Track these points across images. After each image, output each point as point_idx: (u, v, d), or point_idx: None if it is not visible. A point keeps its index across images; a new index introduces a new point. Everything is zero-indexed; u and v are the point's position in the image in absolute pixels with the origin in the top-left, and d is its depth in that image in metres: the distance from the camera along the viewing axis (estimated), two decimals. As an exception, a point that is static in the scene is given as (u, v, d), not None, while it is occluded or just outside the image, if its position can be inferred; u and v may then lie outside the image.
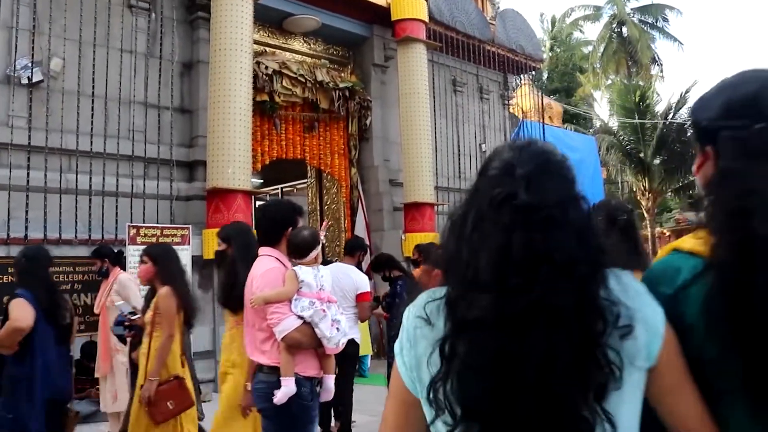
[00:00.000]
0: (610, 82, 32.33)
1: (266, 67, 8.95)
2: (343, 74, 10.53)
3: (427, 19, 10.50)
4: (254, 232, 3.65)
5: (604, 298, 1.07)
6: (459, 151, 12.06)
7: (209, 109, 7.80)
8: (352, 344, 5.35)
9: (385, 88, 10.75)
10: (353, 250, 6.00)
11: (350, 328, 5.19)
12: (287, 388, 2.97)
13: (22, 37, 7.16)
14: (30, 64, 7.15)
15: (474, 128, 12.60)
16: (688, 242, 1.25)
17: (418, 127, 10.04)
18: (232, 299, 3.68)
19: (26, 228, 6.80)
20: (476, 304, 1.06)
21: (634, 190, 27.00)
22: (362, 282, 5.57)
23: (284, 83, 9.18)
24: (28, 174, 6.87)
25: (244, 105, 7.81)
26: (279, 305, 3.03)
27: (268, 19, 9.55)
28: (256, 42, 9.40)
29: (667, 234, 30.44)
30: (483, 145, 12.74)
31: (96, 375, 5.98)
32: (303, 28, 9.86)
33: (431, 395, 1.11)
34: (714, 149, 1.27)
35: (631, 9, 33.17)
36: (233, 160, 7.69)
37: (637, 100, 25.38)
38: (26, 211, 6.83)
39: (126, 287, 5.77)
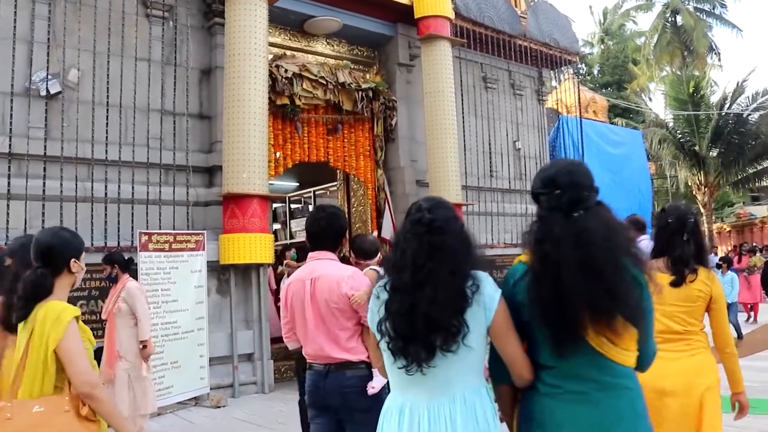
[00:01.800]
0: (665, 73, 31.34)
1: (286, 71, 8.90)
2: (368, 75, 10.42)
3: (452, 16, 10.29)
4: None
5: (474, 275, 2.11)
6: (491, 149, 11.80)
7: (224, 115, 7.81)
8: None
9: (411, 88, 10.59)
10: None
11: None
12: (382, 378, 3.04)
13: (40, 49, 7.29)
14: (47, 77, 7.27)
15: (507, 125, 12.31)
16: (523, 257, 2.19)
17: (444, 126, 9.85)
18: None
19: (43, 237, 6.90)
20: (402, 277, 2.13)
21: (689, 184, 26.12)
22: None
23: (305, 86, 9.12)
24: (44, 183, 6.99)
25: (259, 110, 7.79)
26: None
27: (288, 22, 9.52)
28: (276, 45, 9.43)
29: (728, 230, 29.32)
30: (517, 143, 12.47)
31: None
32: (324, 30, 9.78)
33: (379, 328, 2.20)
34: (537, 204, 2.20)
35: (687, -4, 32.05)
36: (248, 165, 7.67)
37: (690, 91, 24.51)
38: (42, 220, 6.94)
39: (133, 296, 5.78)
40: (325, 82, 9.33)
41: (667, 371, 3.03)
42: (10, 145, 6.93)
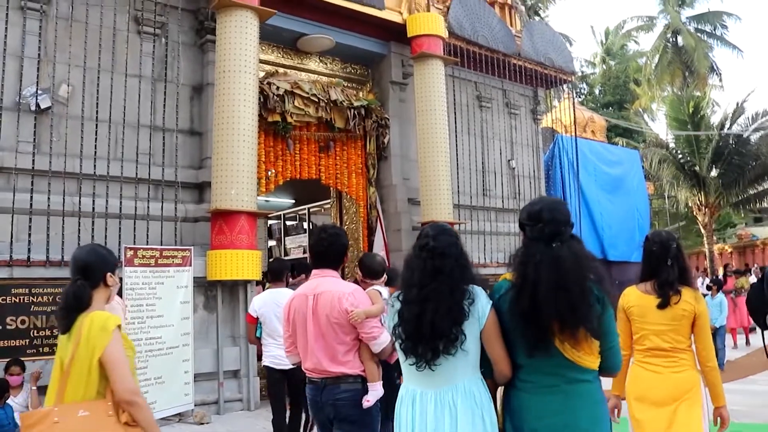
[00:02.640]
0: (666, 93, 31.40)
1: (277, 88, 8.94)
2: (361, 93, 10.46)
3: (445, 35, 10.34)
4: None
5: (470, 290, 2.61)
6: (485, 168, 11.81)
7: (214, 131, 7.84)
8: (299, 370, 5.37)
9: (404, 106, 10.62)
10: (280, 274, 5.89)
11: None
12: (377, 392, 3.44)
13: (30, 65, 7.33)
14: (37, 92, 7.31)
15: (502, 144, 12.32)
16: (508, 275, 2.65)
17: (436, 144, 9.86)
18: None
19: (29, 250, 6.92)
20: (411, 292, 2.64)
21: (690, 204, 26.04)
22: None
23: (296, 103, 9.16)
24: (31, 197, 7.00)
25: (248, 127, 7.81)
26: (375, 320, 3.45)
27: (281, 40, 9.58)
28: (269, 63, 9.48)
29: (729, 251, 29.18)
30: (512, 162, 12.46)
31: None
32: (317, 48, 9.83)
33: (394, 332, 2.71)
34: (524, 234, 2.66)
35: (687, 18, 32.25)
36: (237, 182, 7.69)
37: (690, 111, 24.50)
38: (29, 234, 6.95)
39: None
40: (317, 100, 9.36)
41: (654, 383, 3.53)
42: (-2, 159, 6.96)
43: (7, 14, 7.18)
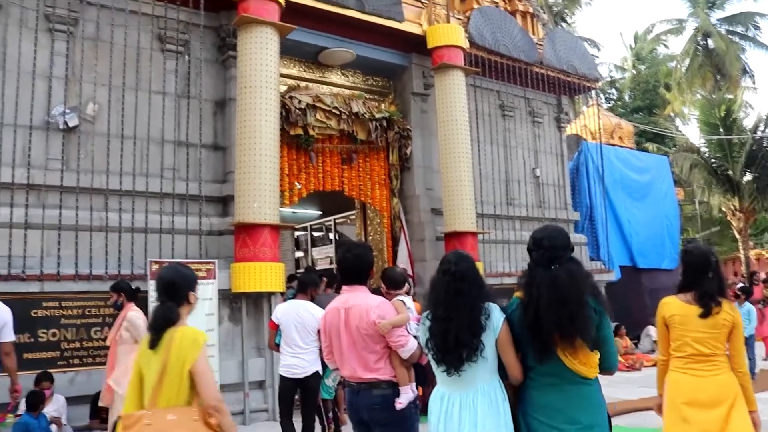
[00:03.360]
0: (698, 97, 30.96)
1: (299, 102, 9.08)
2: (383, 104, 10.54)
3: (466, 45, 10.39)
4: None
5: (486, 306, 3.05)
6: (509, 177, 11.80)
7: (236, 146, 7.97)
8: (315, 377, 5.72)
9: (426, 117, 10.68)
10: (305, 287, 6.02)
11: (313, 361, 5.67)
12: (409, 395, 3.70)
13: (58, 84, 7.57)
14: (65, 110, 7.53)
15: (525, 153, 12.31)
16: (518, 293, 3.09)
17: (458, 154, 9.89)
18: None
19: (58, 265, 7.11)
20: (438, 311, 3.11)
21: (723, 210, 25.62)
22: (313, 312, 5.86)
23: (318, 116, 9.28)
24: (60, 213, 7.20)
25: (270, 141, 7.93)
26: (401, 329, 3.68)
27: (303, 54, 9.72)
28: (291, 77, 9.62)
29: (767, 256, 28.56)
30: (536, 170, 12.43)
31: (100, 404, 6.17)
32: (339, 61, 9.95)
33: (427, 345, 3.18)
34: (530, 257, 3.13)
35: (717, 20, 31.73)
36: (260, 195, 7.80)
37: (722, 115, 24.14)
38: (58, 249, 7.15)
39: (134, 325, 5.92)
40: (338, 113, 9.47)
41: (699, 386, 3.79)
42: (28, 176, 7.17)
43: (36, 36, 7.41)
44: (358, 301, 3.72)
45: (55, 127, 7.54)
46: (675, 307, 3.87)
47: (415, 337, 3.69)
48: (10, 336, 5.44)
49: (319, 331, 5.53)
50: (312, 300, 5.97)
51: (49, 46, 7.60)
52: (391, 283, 4.81)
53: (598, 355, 3.02)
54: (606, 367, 3.08)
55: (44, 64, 7.53)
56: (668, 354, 3.94)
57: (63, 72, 7.62)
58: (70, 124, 7.60)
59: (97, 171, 7.56)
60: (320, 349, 5.70)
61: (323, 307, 8.08)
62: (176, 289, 3.17)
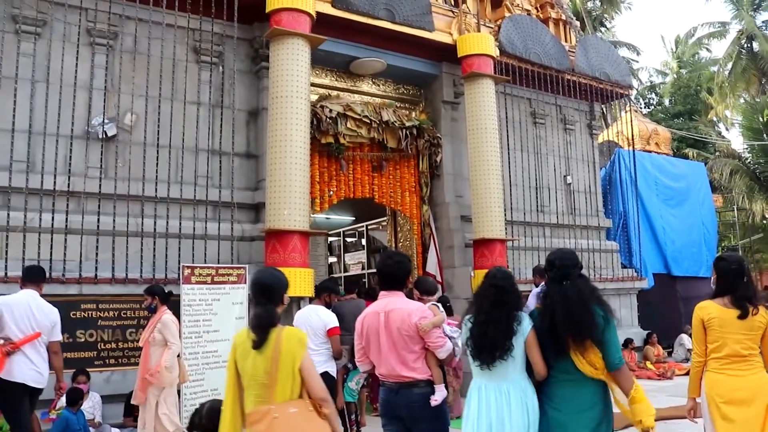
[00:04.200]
0: (742, 101, 30.38)
1: (330, 111, 9.27)
2: (414, 113, 10.68)
3: (496, 53, 10.46)
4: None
5: (518, 315, 3.75)
6: (539, 184, 11.83)
7: (268, 154, 8.18)
8: (325, 377, 5.88)
9: (456, 125, 10.79)
10: (319, 293, 6.59)
11: (324, 362, 6.08)
12: (443, 392, 4.04)
13: (98, 96, 7.88)
14: (104, 121, 7.85)
15: (557, 160, 12.32)
16: (538, 305, 3.82)
17: (487, 162, 9.96)
18: None
19: (96, 269, 7.41)
20: (480, 316, 3.80)
21: (766, 216, 25.12)
22: (330, 320, 6.33)
23: (349, 125, 9.46)
24: (98, 219, 7.50)
25: (300, 149, 8.11)
26: (438, 330, 4.03)
27: (334, 64, 9.92)
28: (323, 86, 9.82)
29: (816, 264, 27.82)
30: (568, 177, 12.43)
31: (133, 402, 6.44)
32: (370, 70, 10.13)
33: (466, 343, 3.87)
34: (546, 275, 3.81)
35: (762, 22, 31.06)
36: (290, 202, 7.98)
37: (765, 119, 23.69)
38: (96, 253, 7.44)
39: (166, 327, 6.17)
40: (369, 121, 9.64)
41: (737, 385, 4.10)
42: (69, 184, 7.48)
43: (77, 50, 7.74)
44: (398, 305, 4.04)
45: (94, 136, 7.86)
46: (714, 309, 4.20)
47: (450, 338, 4.08)
48: (58, 336, 5.83)
49: (328, 331, 6.09)
50: (328, 305, 6.27)
51: (89, 60, 7.93)
52: (425, 290, 5.16)
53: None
54: (608, 365, 3.63)
55: (85, 77, 7.85)
56: (705, 355, 4.25)
57: (102, 84, 7.94)
58: (109, 134, 7.92)
59: (133, 178, 7.85)
60: (329, 351, 6.28)
61: (344, 312, 8.42)
62: (273, 292, 3.41)
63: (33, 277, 5.88)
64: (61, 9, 7.73)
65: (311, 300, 6.81)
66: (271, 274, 3.55)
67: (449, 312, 7.07)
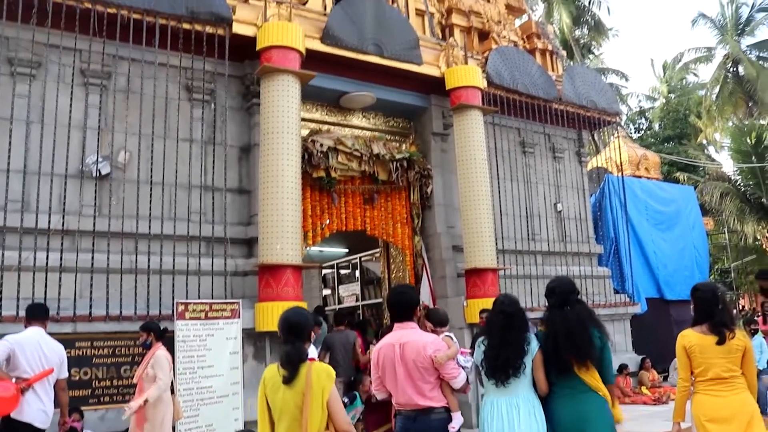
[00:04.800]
0: (731, 124, 30.74)
1: (321, 145, 9.40)
2: (404, 145, 10.83)
3: (483, 85, 10.64)
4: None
5: (527, 336, 4.28)
6: (530, 212, 11.95)
7: (260, 190, 8.29)
8: None
9: (446, 156, 10.93)
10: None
11: None
12: (460, 419, 4.31)
13: (92, 135, 8.00)
14: (98, 159, 7.96)
15: (547, 188, 12.46)
16: (541, 328, 4.42)
17: (477, 192, 10.08)
18: None
19: (90, 306, 7.45)
20: (493, 340, 4.35)
21: (759, 238, 25.30)
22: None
23: (340, 159, 9.59)
24: (92, 257, 7.56)
25: (292, 184, 8.23)
26: (453, 362, 4.29)
27: (325, 99, 10.08)
28: (314, 121, 9.97)
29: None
30: (558, 205, 12.56)
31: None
32: (359, 104, 10.29)
33: (481, 364, 4.40)
34: (548, 302, 4.49)
35: (747, 46, 31.54)
36: (282, 237, 8.08)
37: (752, 142, 24.00)
38: (91, 291, 7.49)
39: (158, 362, 6.23)
40: (359, 155, 9.78)
41: (720, 405, 4.42)
42: (63, 222, 7.55)
43: (72, 91, 7.86)
44: (413, 337, 4.27)
45: (88, 175, 7.96)
46: (694, 337, 4.53)
47: (463, 368, 4.35)
48: (65, 372, 5.98)
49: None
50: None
51: (83, 99, 8.06)
52: (439, 321, 5.45)
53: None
54: (605, 380, 4.28)
55: (79, 116, 7.96)
56: (689, 379, 4.59)
57: (96, 123, 8.06)
58: (103, 172, 8.02)
59: (127, 216, 7.93)
60: None
61: (334, 343, 8.46)
62: (300, 330, 3.62)
63: (38, 314, 6.00)
64: (56, 51, 7.86)
65: None
66: (297, 313, 3.75)
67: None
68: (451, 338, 4.68)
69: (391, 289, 4.72)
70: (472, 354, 4.54)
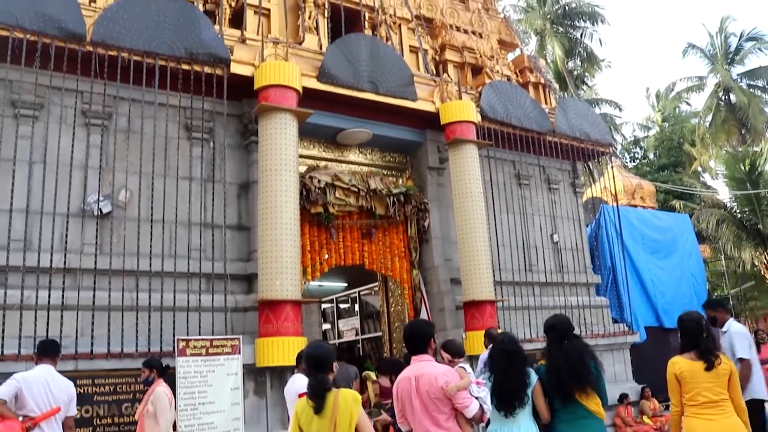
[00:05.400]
0: (724, 152, 31.02)
1: (319, 181, 9.55)
2: (400, 180, 10.98)
3: (477, 119, 10.82)
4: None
5: (527, 371, 4.85)
6: (527, 243, 12.05)
7: (259, 226, 8.41)
8: None
9: (442, 190, 11.07)
10: (298, 362, 6.92)
11: None
12: None
13: (93, 174, 8.14)
14: (100, 198, 8.09)
15: (543, 219, 12.59)
16: (542, 361, 5.04)
17: (473, 225, 10.20)
18: None
19: (92, 344, 7.51)
20: (498, 376, 4.84)
21: (756, 264, 25.36)
22: (301, 385, 6.42)
23: (337, 194, 9.74)
24: (94, 295, 7.64)
25: (291, 221, 8.35)
26: (465, 392, 4.41)
27: (322, 135, 10.26)
28: (311, 157, 10.13)
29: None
30: (555, 236, 12.66)
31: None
32: (356, 141, 10.46)
33: (491, 398, 4.74)
34: (547, 337, 5.14)
35: (738, 74, 31.97)
36: (281, 273, 8.18)
37: (746, 169, 24.21)
38: (92, 329, 7.55)
39: (158, 399, 6.29)
40: (356, 190, 9.92)
41: (711, 428, 4.66)
42: (65, 261, 7.65)
43: (73, 131, 8.02)
44: (426, 369, 4.44)
45: (90, 214, 8.08)
46: (684, 364, 4.82)
47: (476, 398, 4.50)
48: (74, 410, 6.07)
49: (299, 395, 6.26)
50: (306, 373, 6.67)
51: (85, 140, 8.22)
52: (456, 352, 5.77)
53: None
54: (603, 403, 4.85)
55: (81, 156, 8.10)
56: (680, 404, 4.86)
57: (98, 162, 8.20)
58: (104, 211, 8.15)
59: (128, 254, 8.03)
60: None
61: (336, 378, 8.52)
62: (325, 363, 3.94)
63: (49, 351, 6.07)
64: (58, 92, 8.03)
65: (294, 369, 7.09)
66: (319, 347, 4.17)
67: None
68: (465, 369, 4.90)
69: (407, 324, 5.23)
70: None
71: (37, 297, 7.32)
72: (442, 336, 10.13)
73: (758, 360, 6.75)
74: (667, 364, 5.00)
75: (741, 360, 6.32)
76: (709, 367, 4.70)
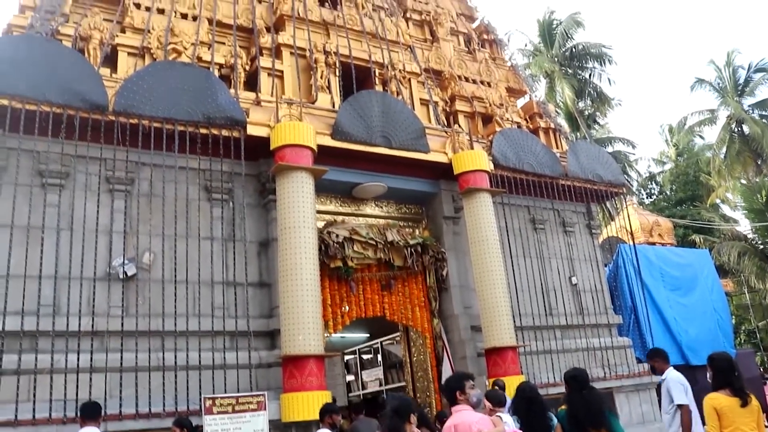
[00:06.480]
0: (741, 184, 30.95)
1: (337, 236, 9.75)
2: (417, 230, 11.16)
3: (490, 168, 11.01)
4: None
5: (548, 414, 5.93)
6: (546, 287, 12.11)
7: (279, 283, 8.58)
8: None
9: (459, 238, 11.21)
10: (322, 417, 7.31)
11: None
12: None
13: (118, 238, 8.39)
14: (124, 261, 8.32)
15: (560, 262, 12.65)
16: (563, 407, 6.11)
17: (491, 272, 10.31)
18: None
19: (120, 405, 7.65)
20: (522, 420, 5.82)
21: (781, 296, 25.11)
22: None
23: (355, 248, 9.93)
24: (121, 356, 7.81)
25: (310, 276, 8.52)
26: None
27: (338, 191, 10.48)
28: (329, 212, 10.35)
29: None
30: (573, 278, 12.70)
31: None
32: (371, 194, 10.68)
33: None
34: (567, 386, 6.04)
35: (749, 106, 32.06)
36: (303, 328, 8.30)
37: (764, 199, 24.16)
38: (120, 390, 7.70)
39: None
40: (374, 243, 10.10)
41: None
42: (92, 323, 7.85)
43: (98, 198, 8.33)
44: (464, 418, 4.88)
45: (115, 277, 8.31)
46: (723, 399, 5.06)
47: None
48: None
49: None
50: (333, 427, 7.06)
51: (109, 205, 8.50)
52: (498, 402, 6.54)
53: None
54: None
55: (105, 221, 8.38)
56: (720, 429, 5.05)
57: (122, 227, 8.46)
58: (129, 274, 8.38)
59: (153, 315, 8.22)
60: None
61: (361, 431, 8.61)
62: (402, 413, 4.52)
63: (93, 414, 6.32)
64: (83, 161, 8.37)
65: (319, 424, 7.30)
66: (400, 399, 4.85)
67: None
68: (501, 418, 5.79)
69: (444, 382, 6.33)
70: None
71: (66, 360, 7.51)
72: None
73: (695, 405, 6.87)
74: (695, 401, 5.45)
75: (680, 406, 6.69)
76: (744, 403, 5.01)
